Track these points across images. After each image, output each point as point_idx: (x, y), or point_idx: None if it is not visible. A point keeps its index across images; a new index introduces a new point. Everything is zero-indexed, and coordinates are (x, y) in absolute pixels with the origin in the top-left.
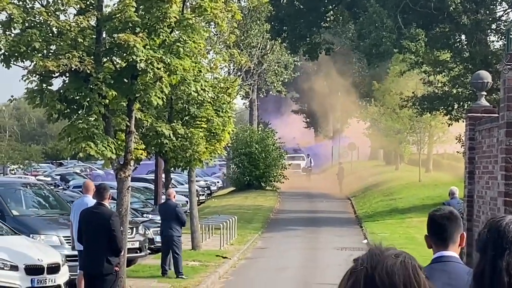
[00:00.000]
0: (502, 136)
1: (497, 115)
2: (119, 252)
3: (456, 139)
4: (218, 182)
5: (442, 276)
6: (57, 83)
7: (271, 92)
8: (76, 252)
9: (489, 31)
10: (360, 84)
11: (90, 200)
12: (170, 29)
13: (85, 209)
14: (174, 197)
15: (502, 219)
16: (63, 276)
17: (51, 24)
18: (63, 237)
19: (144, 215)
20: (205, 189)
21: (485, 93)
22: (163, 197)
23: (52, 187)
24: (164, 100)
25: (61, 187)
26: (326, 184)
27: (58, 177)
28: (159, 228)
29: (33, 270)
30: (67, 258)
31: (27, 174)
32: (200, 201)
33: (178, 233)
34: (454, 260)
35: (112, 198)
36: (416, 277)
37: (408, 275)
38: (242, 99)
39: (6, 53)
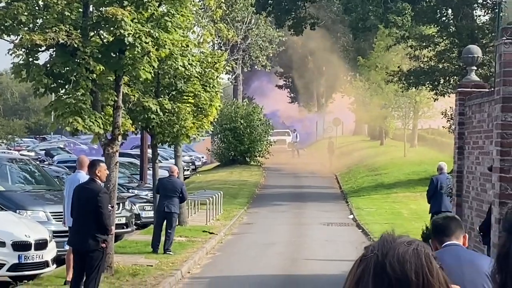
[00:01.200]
0: (497, 111)
1: (487, 90)
2: (105, 229)
3: (442, 114)
4: (202, 157)
5: (448, 257)
6: (43, 58)
7: (256, 67)
8: (63, 228)
9: (475, 5)
10: (345, 59)
11: (82, 176)
12: (158, 3)
13: (78, 184)
14: (177, 174)
15: None
16: (50, 252)
17: None
18: (50, 212)
19: (130, 190)
20: (190, 164)
21: (475, 68)
22: (149, 172)
23: (38, 162)
24: (153, 74)
25: (47, 162)
26: (316, 162)
27: (43, 152)
28: (145, 204)
29: (20, 246)
30: (54, 234)
31: (10, 149)
32: (185, 176)
33: (178, 210)
34: (461, 245)
35: None
36: (429, 266)
37: (420, 264)
38: (226, 74)
39: None
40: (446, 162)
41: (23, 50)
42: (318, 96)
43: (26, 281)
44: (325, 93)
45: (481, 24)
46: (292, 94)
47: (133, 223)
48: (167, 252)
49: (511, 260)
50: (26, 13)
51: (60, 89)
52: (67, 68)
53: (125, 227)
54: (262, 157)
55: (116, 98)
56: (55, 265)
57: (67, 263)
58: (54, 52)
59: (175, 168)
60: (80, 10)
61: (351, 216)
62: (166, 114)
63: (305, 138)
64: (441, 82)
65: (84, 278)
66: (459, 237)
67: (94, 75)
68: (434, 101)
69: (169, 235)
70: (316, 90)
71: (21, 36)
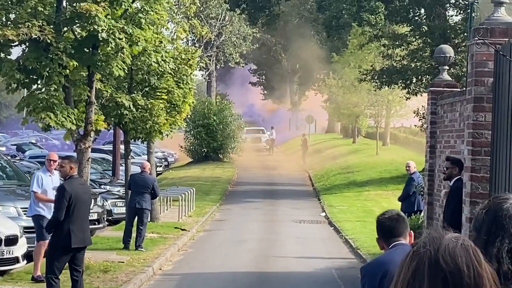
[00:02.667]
0: (469, 111)
1: (459, 89)
2: None
3: (414, 112)
4: (175, 153)
5: (399, 255)
6: (16, 53)
7: (229, 64)
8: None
9: (448, 5)
10: (319, 57)
11: (42, 173)
12: None
13: (67, 184)
14: (149, 170)
15: (503, 201)
16: (21, 248)
17: None
18: (21, 208)
19: (102, 186)
20: (163, 160)
21: (447, 67)
22: (121, 168)
23: (9, 157)
24: (126, 70)
25: (18, 158)
26: (289, 159)
27: (14, 147)
28: (117, 200)
29: None
30: (25, 230)
31: None
32: (158, 172)
33: (149, 206)
34: (408, 245)
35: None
36: (478, 258)
37: (469, 257)
38: (200, 70)
39: None
40: (419, 161)
41: None
42: (292, 93)
43: None
44: (298, 90)
45: (453, 24)
46: (265, 91)
47: (105, 219)
48: (139, 249)
49: None
50: None
51: (32, 84)
52: (40, 64)
53: (96, 223)
54: (235, 153)
55: (89, 94)
56: (25, 261)
57: (37, 260)
58: (27, 47)
59: (147, 164)
60: (54, 5)
61: (323, 214)
62: (139, 110)
63: (279, 136)
64: (413, 81)
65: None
66: (406, 236)
67: (67, 70)
68: (407, 100)
69: (140, 231)
70: (289, 88)
71: None
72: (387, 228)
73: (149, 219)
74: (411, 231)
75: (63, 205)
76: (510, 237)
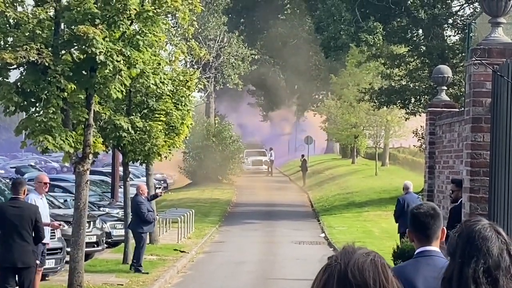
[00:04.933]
0: (467, 131)
1: (457, 109)
2: (40, 242)
3: (413, 133)
4: (174, 175)
5: (427, 268)
6: (14, 75)
7: (228, 85)
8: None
9: (445, 25)
10: (317, 77)
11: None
12: (130, 21)
13: (3, 204)
14: (142, 191)
15: (475, 224)
16: None
17: (8, 15)
18: None
19: (101, 208)
20: (162, 182)
21: (445, 88)
22: (120, 190)
23: (8, 180)
24: (124, 93)
25: None
26: (288, 180)
27: (13, 169)
28: (116, 222)
29: None
30: None
31: None
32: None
33: (138, 228)
34: (437, 254)
35: (69, 191)
36: (385, 274)
37: (377, 272)
38: (198, 92)
39: None
40: (418, 181)
41: None
42: (290, 114)
43: None
44: (297, 111)
45: (451, 44)
46: (264, 112)
47: (104, 241)
48: (137, 271)
49: (452, 285)
50: None
51: (30, 107)
52: (38, 86)
53: (95, 245)
54: (234, 175)
55: (87, 116)
56: None
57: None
58: (25, 70)
59: (141, 186)
60: (52, 28)
61: (323, 235)
62: (138, 132)
63: (278, 157)
64: (412, 101)
65: None
66: (438, 236)
67: (65, 93)
68: (405, 120)
69: (136, 253)
70: (288, 109)
71: None
72: (420, 225)
73: (146, 241)
74: (444, 228)
75: None
76: (484, 257)
